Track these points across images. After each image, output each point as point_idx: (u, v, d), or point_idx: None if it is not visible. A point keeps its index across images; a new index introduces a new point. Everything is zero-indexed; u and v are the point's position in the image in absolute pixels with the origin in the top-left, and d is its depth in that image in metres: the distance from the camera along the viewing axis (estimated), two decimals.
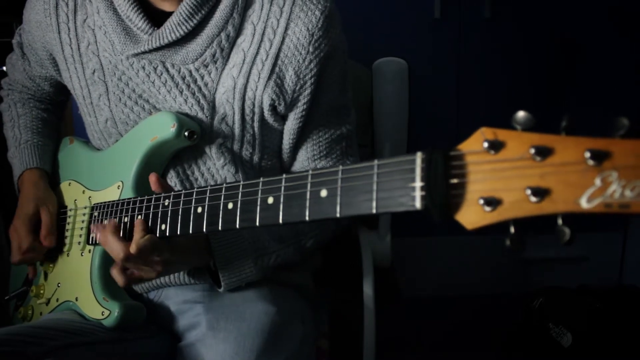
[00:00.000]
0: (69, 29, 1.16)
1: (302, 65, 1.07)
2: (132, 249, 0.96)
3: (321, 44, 1.07)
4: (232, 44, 1.09)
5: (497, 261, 2.39)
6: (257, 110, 1.10)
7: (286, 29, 1.07)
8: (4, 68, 1.39)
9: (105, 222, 1.09)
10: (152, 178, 1.00)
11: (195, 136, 1.08)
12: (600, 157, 0.50)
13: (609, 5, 2.33)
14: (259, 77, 1.08)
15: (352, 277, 1.43)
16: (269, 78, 1.08)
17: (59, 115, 1.42)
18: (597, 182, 0.50)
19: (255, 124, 1.11)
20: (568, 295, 2.24)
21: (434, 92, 2.37)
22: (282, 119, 1.14)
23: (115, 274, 1.01)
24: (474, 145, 0.59)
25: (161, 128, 1.08)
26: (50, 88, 1.34)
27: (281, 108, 1.11)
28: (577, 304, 2.20)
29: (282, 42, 1.07)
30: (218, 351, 1.01)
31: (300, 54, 1.07)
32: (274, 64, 1.07)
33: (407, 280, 2.37)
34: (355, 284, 1.40)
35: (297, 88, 1.09)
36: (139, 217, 1.02)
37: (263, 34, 1.07)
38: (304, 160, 1.18)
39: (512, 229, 0.56)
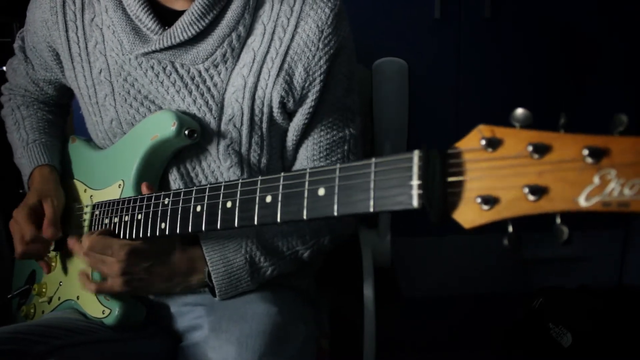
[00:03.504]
0: (76, 27, 1.15)
1: (312, 61, 1.08)
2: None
3: (330, 40, 1.07)
4: (243, 44, 1.09)
5: (497, 261, 2.38)
6: (266, 109, 1.10)
7: (296, 26, 1.07)
8: (4, 68, 1.38)
9: (106, 221, 1.11)
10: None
11: (196, 135, 1.07)
12: (598, 154, 0.50)
13: (610, 4, 2.33)
14: (269, 75, 1.08)
15: (352, 277, 1.43)
16: (278, 75, 1.08)
17: (63, 117, 1.41)
18: (596, 180, 0.50)
19: (264, 125, 1.11)
20: (568, 295, 2.24)
21: (434, 92, 2.36)
22: (290, 117, 1.13)
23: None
24: (472, 143, 0.59)
25: (161, 126, 1.08)
26: (54, 92, 1.32)
27: (290, 105, 1.10)
28: (577, 304, 2.19)
29: (292, 40, 1.07)
30: (221, 353, 1.01)
31: (310, 50, 1.07)
32: (283, 61, 1.07)
33: (407, 280, 2.36)
34: (356, 284, 1.40)
35: (306, 85, 1.09)
36: (139, 216, 1.02)
37: (273, 32, 1.08)
38: (303, 160, 1.17)
39: (510, 228, 0.56)
